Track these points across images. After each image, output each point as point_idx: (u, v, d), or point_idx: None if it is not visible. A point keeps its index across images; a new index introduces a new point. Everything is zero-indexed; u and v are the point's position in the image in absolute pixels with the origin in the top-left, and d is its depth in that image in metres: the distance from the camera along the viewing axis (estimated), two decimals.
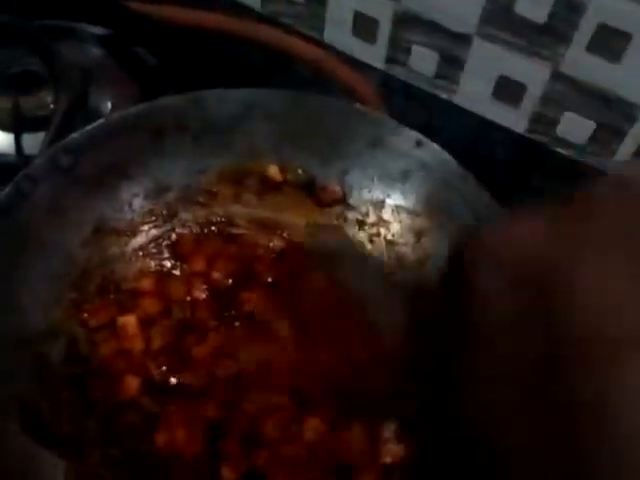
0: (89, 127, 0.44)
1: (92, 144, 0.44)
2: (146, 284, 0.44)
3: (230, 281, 0.45)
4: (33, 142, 0.51)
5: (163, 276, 0.45)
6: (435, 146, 0.45)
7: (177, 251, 0.46)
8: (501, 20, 0.58)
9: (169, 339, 0.42)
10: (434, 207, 0.45)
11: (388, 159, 0.46)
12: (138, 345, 0.42)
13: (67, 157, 0.43)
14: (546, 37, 0.57)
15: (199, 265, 0.45)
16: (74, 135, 0.43)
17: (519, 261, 0.27)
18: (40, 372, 0.39)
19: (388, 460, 0.38)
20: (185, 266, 0.45)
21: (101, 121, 0.44)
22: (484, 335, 0.28)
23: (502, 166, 0.64)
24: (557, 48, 0.57)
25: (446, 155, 0.45)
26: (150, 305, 0.44)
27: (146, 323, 0.43)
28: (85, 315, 0.42)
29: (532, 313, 0.25)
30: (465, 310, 0.30)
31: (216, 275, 0.45)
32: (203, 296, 0.44)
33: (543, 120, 0.62)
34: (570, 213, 0.27)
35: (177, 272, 0.45)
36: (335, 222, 0.47)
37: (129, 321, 0.42)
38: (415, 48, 0.64)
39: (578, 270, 0.24)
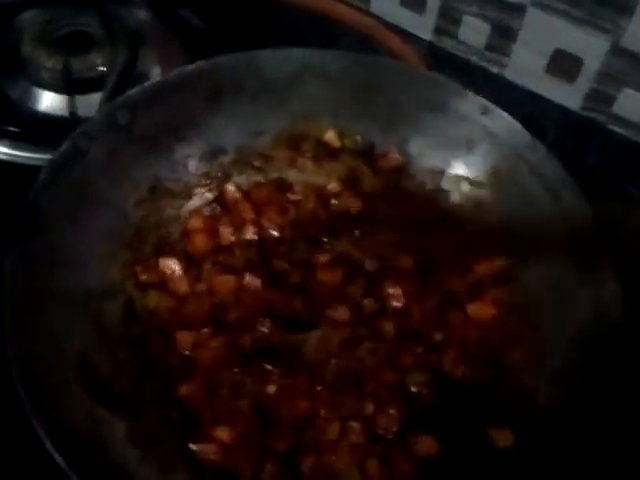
0: (147, 84, 0.43)
1: (149, 101, 0.43)
2: (196, 222, 0.44)
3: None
4: (84, 104, 0.50)
5: (213, 218, 0.44)
6: (503, 114, 0.43)
7: (227, 201, 0.45)
8: None
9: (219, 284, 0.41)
10: (500, 178, 0.44)
11: (451, 126, 0.45)
12: (183, 287, 0.41)
13: (124, 114, 0.42)
14: (606, 8, 0.55)
15: (248, 212, 0.44)
16: (131, 92, 0.42)
17: None
18: (98, 331, 0.39)
19: None
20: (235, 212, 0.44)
21: (159, 78, 0.43)
22: None
23: (554, 145, 0.62)
24: (618, 20, 0.55)
25: (515, 124, 0.43)
26: (199, 242, 0.43)
27: (192, 262, 0.42)
28: (138, 269, 0.42)
29: None
30: None
31: (266, 223, 0.44)
32: (255, 237, 0.43)
33: (599, 97, 0.60)
34: None
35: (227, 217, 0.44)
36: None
37: (170, 262, 0.42)
38: (465, 18, 0.62)
39: None
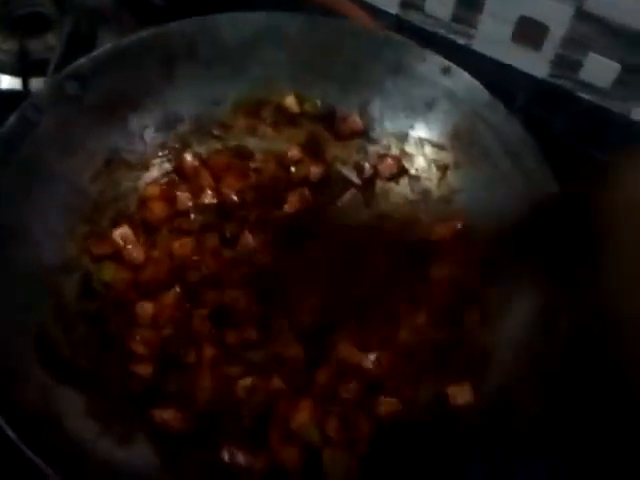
0: (96, 52, 0.41)
1: (99, 70, 0.41)
2: (153, 190, 0.43)
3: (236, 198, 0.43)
4: (40, 85, 0.48)
5: (171, 185, 0.44)
6: (464, 73, 0.43)
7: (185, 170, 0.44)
8: None
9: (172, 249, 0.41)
10: (461, 140, 0.43)
11: (412, 87, 0.44)
12: (138, 255, 0.40)
13: (74, 84, 0.41)
14: None
15: (206, 179, 0.43)
16: (80, 60, 0.41)
17: None
18: (56, 307, 0.38)
19: None
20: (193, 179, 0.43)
21: (108, 46, 0.41)
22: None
23: (523, 113, 0.62)
24: None
25: (475, 83, 0.43)
26: (156, 209, 0.42)
27: (149, 230, 0.42)
28: (91, 242, 0.41)
29: None
30: None
31: (225, 189, 0.43)
32: (213, 201, 0.42)
33: (566, 63, 0.59)
34: None
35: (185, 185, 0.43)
36: (355, 156, 0.46)
37: (123, 231, 0.41)
38: None
39: None
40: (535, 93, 0.61)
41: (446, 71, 0.43)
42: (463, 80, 0.43)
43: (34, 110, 0.39)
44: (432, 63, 0.43)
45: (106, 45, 0.42)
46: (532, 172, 0.41)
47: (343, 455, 0.36)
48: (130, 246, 0.41)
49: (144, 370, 0.37)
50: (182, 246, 0.41)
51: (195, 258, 0.41)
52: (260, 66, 0.45)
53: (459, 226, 0.42)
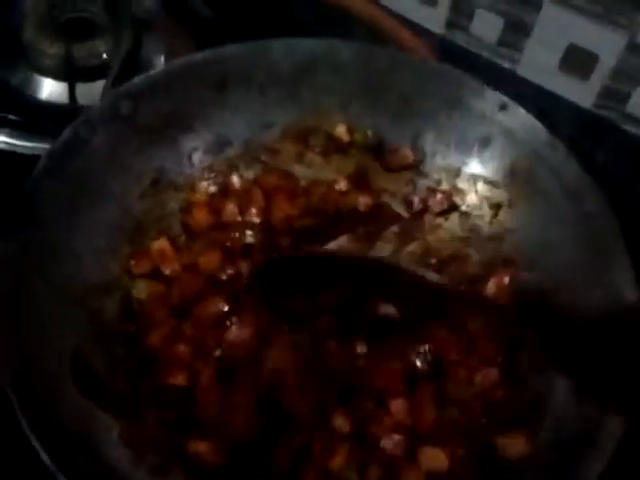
0: (151, 72, 0.41)
1: (153, 91, 0.41)
2: (200, 196, 0.43)
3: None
4: (86, 91, 0.49)
5: (219, 196, 0.43)
6: (522, 111, 0.42)
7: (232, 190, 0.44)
8: None
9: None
10: (517, 178, 0.42)
11: (467, 122, 0.43)
12: (175, 265, 0.40)
13: (127, 103, 0.41)
14: (623, 4, 0.53)
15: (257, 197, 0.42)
16: (135, 80, 0.41)
17: None
18: (94, 328, 0.38)
19: None
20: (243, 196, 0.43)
21: (163, 67, 0.41)
22: None
23: (565, 142, 0.61)
24: (635, 16, 0.53)
25: (533, 121, 0.42)
26: (200, 215, 0.42)
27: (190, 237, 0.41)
28: (132, 262, 0.40)
29: None
30: None
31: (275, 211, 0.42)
32: (257, 220, 0.42)
33: (613, 95, 0.58)
34: None
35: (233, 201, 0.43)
36: (404, 189, 0.45)
37: (162, 244, 0.40)
38: (478, 12, 0.61)
39: None
40: (579, 123, 0.60)
41: (503, 107, 0.42)
42: (520, 117, 0.42)
43: (87, 127, 0.40)
44: (489, 99, 0.43)
45: (158, 64, 0.42)
46: (592, 215, 0.39)
47: None
48: (167, 260, 0.40)
49: (179, 380, 0.37)
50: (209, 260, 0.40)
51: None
52: (312, 93, 0.45)
53: (507, 280, 0.40)
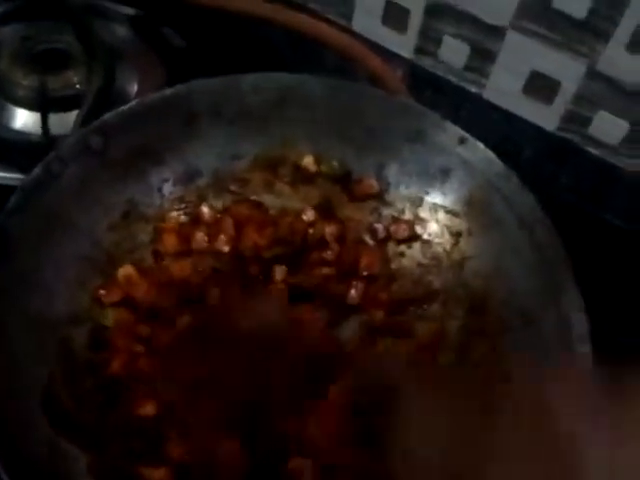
0: (122, 108, 0.42)
1: (124, 126, 0.42)
2: (170, 223, 0.44)
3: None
4: (59, 122, 0.50)
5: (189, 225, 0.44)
6: (479, 144, 0.44)
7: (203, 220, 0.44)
8: (538, 13, 0.57)
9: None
10: (475, 208, 0.44)
11: (428, 155, 0.45)
12: (144, 286, 0.41)
13: (98, 139, 0.41)
14: (584, 33, 0.56)
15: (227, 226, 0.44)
16: (106, 116, 0.42)
17: None
18: (63, 358, 0.39)
19: None
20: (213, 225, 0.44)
21: (134, 103, 0.42)
22: None
23: (530, 164, 0.63)
24: (595, 45, 0.55)
25: (490, 154, 0.43)
26: (168, 241, 0.43)
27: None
28: (100, 292, 0.41)
29: None
30: None
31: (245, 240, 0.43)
32: (226, 249, 0.43)
33: (575, 118, 0.60)
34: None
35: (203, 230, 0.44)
36: (369, 217, 0.46)
37: (127, 271, 0.41)
38: (446, 39, 0.63)
39: None
40: (544, 145, 0.63)
41: (462, 141, 0.44)
42: (478, 150, 0.44)
43: (59, 163, 0.40)
44: (449, 133, 0.44)
45: (132, 97, 0.43)
46: (543, 243, 0.41)
47: None
48: (134, 284, 0.41)
49: (148, 410, 0.37)
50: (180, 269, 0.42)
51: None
52: (281, 126, 0.46)
53: None
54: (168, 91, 0.43)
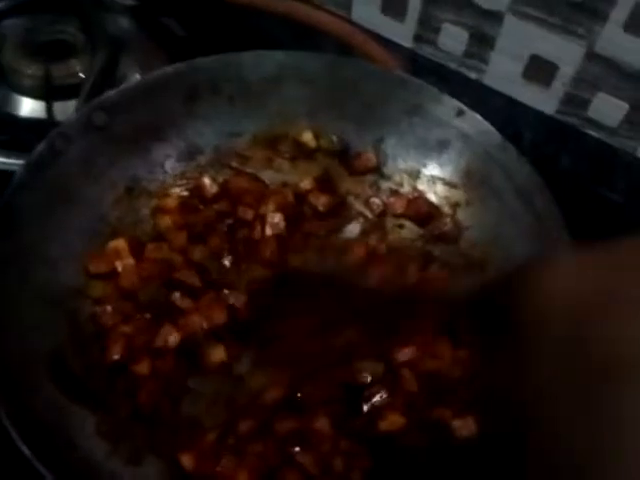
0: (124, 85, 0.43)
1: (127, 103, 0.43)
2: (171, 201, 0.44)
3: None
4: (63, 109, 0.51)
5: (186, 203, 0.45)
6: (476, 116, 0.44)
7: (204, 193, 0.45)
8: None
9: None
10: (473, 179, 0.44)
11: (426, 128, 0.45)
12: (129, 260, 0.41)
13: (101, 115, 0.42)
14: (581, 15, 0.56)
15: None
16: (109, 93, 0.43)
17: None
18: (71, 329, 0.39)
19: None
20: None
21: (136, 80, 0.43)
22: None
23: (530, 148, 0.63)
24: (592, 26, 0.56)
25: (487, 125, 0.44)
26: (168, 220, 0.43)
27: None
28: (86, 262, 0.41)
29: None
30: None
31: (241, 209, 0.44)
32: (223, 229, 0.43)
33: (575, 101, 0.61)
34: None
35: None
36: (368, 191, 0.47)
37: (119, 243, 0.42)
38: (445, 26, 0.63)
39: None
40: (543, 129, 0.63)
41: (460, 113, 0.45)
42: (476, 122, 0.45)
43: (62, 139, 0.41)
44: (447, 105, 0.45)
45: (133, 79, 0.44)
46: (541, 212, 0.42)
47: None
48: (120, 258, 0.41)
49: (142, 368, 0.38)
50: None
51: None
52: (280, 102, 0.47)
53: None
54: (168, 68, 0.44)
